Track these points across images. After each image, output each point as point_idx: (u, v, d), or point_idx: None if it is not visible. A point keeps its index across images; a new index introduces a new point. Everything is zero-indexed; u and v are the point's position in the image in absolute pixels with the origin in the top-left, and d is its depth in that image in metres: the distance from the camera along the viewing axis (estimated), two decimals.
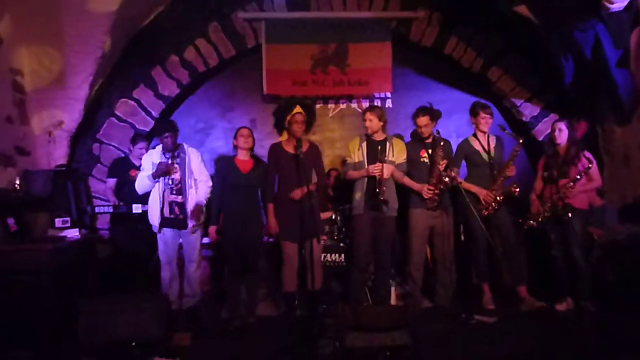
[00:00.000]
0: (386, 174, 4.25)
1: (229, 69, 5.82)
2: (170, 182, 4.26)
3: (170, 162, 4.22)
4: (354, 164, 4.42)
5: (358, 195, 4.36)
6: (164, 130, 4.26)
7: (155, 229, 4.26)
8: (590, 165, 4.34)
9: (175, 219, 4.26)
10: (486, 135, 4.59)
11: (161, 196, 4.22)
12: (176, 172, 4.28)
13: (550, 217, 4.41)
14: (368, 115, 4.39)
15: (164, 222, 4.24)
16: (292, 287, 4.26)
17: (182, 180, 4.28)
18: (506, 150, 4.68)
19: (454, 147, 4.72)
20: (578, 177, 4.31)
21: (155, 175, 4.20)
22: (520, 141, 4.47)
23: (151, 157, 4.28)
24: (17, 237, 3.99)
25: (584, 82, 4.99)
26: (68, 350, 3.53)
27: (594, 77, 4.85)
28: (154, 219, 4.25)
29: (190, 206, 4.25)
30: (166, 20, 5.45)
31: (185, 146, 4.40)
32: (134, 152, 4.97)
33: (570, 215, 4.29)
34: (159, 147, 4.32)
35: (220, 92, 5.88)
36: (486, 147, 4.55)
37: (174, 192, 4.27)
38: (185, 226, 4.28)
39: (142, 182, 4.26)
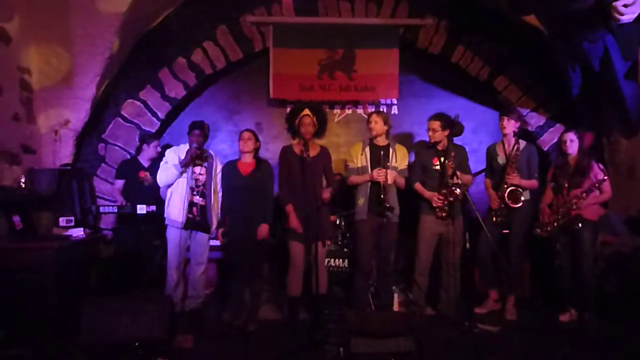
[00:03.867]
0: (390, 180, 4.25)
1: (235, 72, 5.82)
2: (193, 182, 4.29)
3: (199, 151, 4.24)
4: (356, 169, 4.42)
5: (361, 201, 4.35)
6: (195, 127, 4.30)
7: (178, 225, 4.26)
8: (605, 177, 4.33)
9: (192, 219, 4.25)
10: (513, 139, 4.54)
11: (187, 195, 4.26)
12: (202, 174, 4.34)
13: (560, 227, 4.40)
14: (374, 117, 4.39)
15: (188, 222, 4.26)
16: (296, 290, 4.25)
17: (206, 184, 4.33)
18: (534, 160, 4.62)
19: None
20: (593, 188, 4.30)
21: (184, 163, 4.22)
22: (517, 147, 4.46)
23: (177, 152, 4.31)
24: (22, 235, 3.98)
25: (590, 93, 5.00)
26: (70, 349, 3.51)
27: (601, 88, 4.86)
28: (179, 216, 4.24)
29: (213, 211, 4.32)
30: (174, 22, 5.47)
31: (212, 152, 4.49)
32: (147, 151, 4.94)
33: (580, 225, 4.28)
34: (185, 145, 4.36)
35: (226, 95, 5.88)
36: (508, 151, 4.53)
37: (196, 192, 4.28)
38: (201, 228, 4.31)
39: (167, 172, 4.27)
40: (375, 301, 4.53)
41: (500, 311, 4.59)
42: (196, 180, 4.32)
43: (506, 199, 4.41)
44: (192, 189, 4.28)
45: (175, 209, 4.27)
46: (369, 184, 4.33)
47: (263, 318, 4.41)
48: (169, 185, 4.35)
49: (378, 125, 4.36)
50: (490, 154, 4.69)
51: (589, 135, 5.09)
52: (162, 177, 4.31)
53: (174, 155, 4.31)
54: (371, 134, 4.42)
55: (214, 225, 4.36)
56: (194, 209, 4.27)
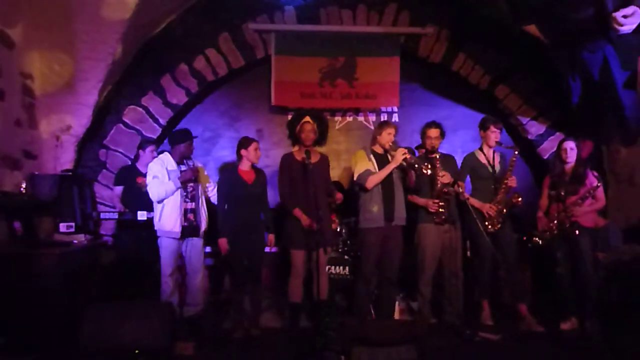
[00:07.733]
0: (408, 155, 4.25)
1: (237, 79, 5.84)
2: (184, 190, 4.27)
3: (194, 167, 4.29)
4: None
5: (376, 208, 4.27)
6: (187, 138, 4.30)
7: (174, 236, 4.20)
8: (599, 184, 4.36)
9: (189, 226, 4.24)
10: (491, 150, 4.62)
11: (180, 205, 4.23)
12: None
13: (557, 235, 4.42)
14: (392, 130, 4.36)
15: (184, 231, 4.22)
16: (297, 297, 4.25)
17: (195, 187, 4.32)
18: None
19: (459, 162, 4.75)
20: (587, 195, 4.33)
21: (184, 180, 4.20)
22: (516, 152, 4.48)
23: (164, 164, 4.23)
24: (23, 241, 3.97)
25: (590, 102, 5.02)
26: (72, 355, 3.50)
27: (600, 97, 4.89)
28: (174, 226, 4.19)
29: (203, 213, 4.33)
30: (177, 29, 5.49)
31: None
32: (144, 156, 4.93)
33: (577, 232, 4.29)
34: (167, 155, 4.31)
35: (228, 101, 5.90)
36: (491, 161, 4.57)
37: (188, 199, 4.27)
38: (198, 233, 4.30)
39: (165, 188, 4.14)
40: (376, 309, 4.52)
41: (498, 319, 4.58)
42: (186, 187, 4.29)
43: (519, 204, 4.42)
44: (184, 197, 4.26)
45: (171, 219, 4.19)
46: (381, 189, 4.27)
47: (264, 325, 4.39)
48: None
49: (392, 136, 4.36)
50: (473, 163, 4.64)
51: (587, 144, 5.12)
52: (160, 193, 4.16)
53: (161, 168, 4.21)
54: (385, 145, 4.35)
55: (204, 228, 4.35)
56: (190, 215, 4.26)
